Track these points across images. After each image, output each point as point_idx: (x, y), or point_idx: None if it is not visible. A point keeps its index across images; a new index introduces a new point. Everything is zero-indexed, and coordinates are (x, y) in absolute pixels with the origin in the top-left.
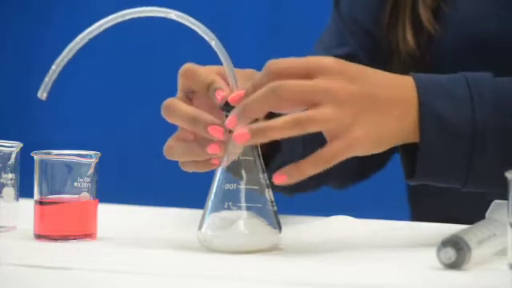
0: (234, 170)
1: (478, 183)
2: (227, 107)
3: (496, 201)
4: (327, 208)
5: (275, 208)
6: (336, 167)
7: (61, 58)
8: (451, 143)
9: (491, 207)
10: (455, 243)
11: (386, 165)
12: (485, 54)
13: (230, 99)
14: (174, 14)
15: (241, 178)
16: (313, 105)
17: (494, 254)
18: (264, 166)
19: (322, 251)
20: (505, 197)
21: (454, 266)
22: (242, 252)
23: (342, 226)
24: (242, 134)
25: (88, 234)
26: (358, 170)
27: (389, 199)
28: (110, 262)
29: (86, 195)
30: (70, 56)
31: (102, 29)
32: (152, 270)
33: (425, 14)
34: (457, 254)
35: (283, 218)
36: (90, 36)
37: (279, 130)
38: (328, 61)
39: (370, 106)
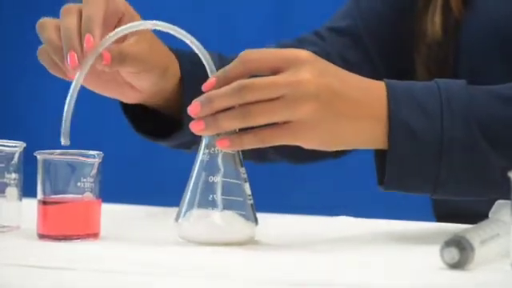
0: (212, 162)
1: (447, 193)
2: None
3: (499, 201)
4: (331, 209)
5: (252, 201)
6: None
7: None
8: (419, 154)
9: (494, 207)
10: (458, 243)
11: (341, 155)
12: (507, 51)
13: (203, 87)
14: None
15: (219, 170)
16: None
17: (497, 254)
18: (242, 160)
19: (325, 251)
20: (507, 197)
21: (458, 265)
22: (218, 244)
23: (344, 226)
24: (198, 124)
25: (91, 234)
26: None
27: (393, 199)
28: (113, 261)
29: (89, 195)
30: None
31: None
32: (156, 270)
33: None
34: (460, 254)
35: (286, 218)
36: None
37: (229, 118)
38: (302, 53)
39: (334, 103)
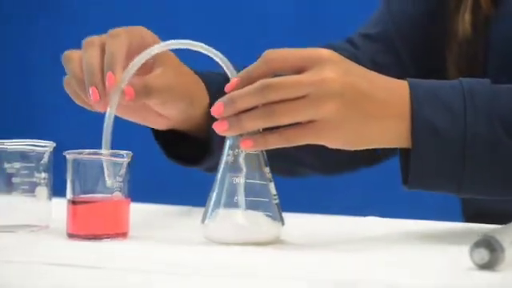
0: (236, 163)
1: (472, 192)
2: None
3: None
4: (359, 209)
5: (277, 201)
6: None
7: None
8: (443, 153)
9: None
10: (488, 244)
11: (377, 163)
12: None
13: (226, 88)
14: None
15: (244, 171)
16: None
17: None
18: (267, 160)
19: (351, 251)
20: None
21: (487, 266)
22: (244, 244)
23: (372, 226)
24: (221, 124)
25: (120, 234)
26: (346, 161)
27: (421, 199)
28: (142, 261)
29: (118, 194)
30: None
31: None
32: (181, 270)
33: None
34: (490, 255)
35: (313, 217)
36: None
37: (252, 118)
38: (325, 52)
39: (358, 102)
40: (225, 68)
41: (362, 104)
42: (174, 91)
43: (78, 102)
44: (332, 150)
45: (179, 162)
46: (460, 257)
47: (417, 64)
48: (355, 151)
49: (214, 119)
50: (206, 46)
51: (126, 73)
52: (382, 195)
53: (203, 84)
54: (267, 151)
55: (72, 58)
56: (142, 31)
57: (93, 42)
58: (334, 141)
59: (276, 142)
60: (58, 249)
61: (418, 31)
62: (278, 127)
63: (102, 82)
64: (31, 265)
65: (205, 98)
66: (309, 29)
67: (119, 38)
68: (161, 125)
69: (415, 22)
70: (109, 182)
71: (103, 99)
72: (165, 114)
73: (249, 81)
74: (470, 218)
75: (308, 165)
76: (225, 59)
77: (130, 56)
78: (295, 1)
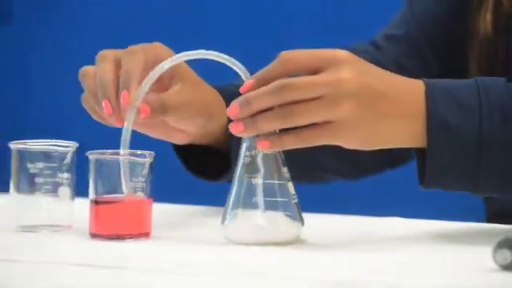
0: (255, 163)
1: (489, 190)
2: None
3: None
4: (379, 209)
5: (296, 200)
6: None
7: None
8: (459, 151)
9: None
10: (511, 244)
11: (401, 164)
12: None
13: (241, 89)
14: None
15: (262, 171)
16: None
17: None
18: (284, 160)
19: (372, 251)
20: None
21: (510, 267)
22: (264, 245)
23: (393, 226)
24: (237, 125)
25: (143, 234)
26: (370, 164)
27: (442, 200)
28: (164, 261)
29: (140, 195)
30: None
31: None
32: (207, 270)
33: None
34: None
35: (334, 218)
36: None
37: (268, 120)
38: (341, 53)
39: (374, 102)
40: (240, 73)
41: (377, 103)
42: (191, 107)
43: (94, 117)
44: (355, 153)
45: (200, 175)
46: (483, 257)
47: (440, 63)
48: (378, 153)
49: (234, 137)
50: (219, 54)
51: (140, 90)
52: (404, 195)
53: (222, 98)
54: (291, 161)
55: (87, 74)
56: (158, 48)
57: (106, 55)
58: (350, 141)
59: (292, 143)
60: (81, 249)
61: (441, 29)
62: (294, 128)
63: (115, 95)
64: (54, 265)
65: (224, 112)
66: (334, 30)
67: (135, 55)
68: (180, 140)
69: (438, 20)
70: (126, 189)
71: (117, 113)
72: (183, 129)
73: (264, 81)
74: (491, 218)
75: (332, 170)
76: (239, 65)
77: (146, 73)
78: (321, 2)
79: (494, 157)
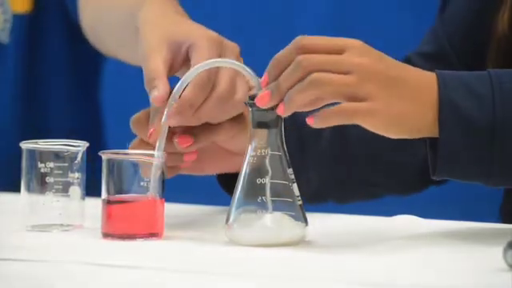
0: (261, 164)
1: (502, 180)
2: (251, 101)
3: None
4: (390, 208)
5: (301, 202)
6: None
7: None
8: (471, 139)
9: None
10: None
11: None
12: None
13: (261, 81)
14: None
15: (268, 172)
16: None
17: None
18: (289, 161)
19: (385, 251)
20: None
21: None
22: (268, 245)
23: (406, 225)
24: (265, 95)
25: (155, 234)
26: (417, 180)
27: (453, 198)
28: (176, 261)
29: (152, 194)
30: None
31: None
32: (217, 269)
33: None
34: None
35: (342, 218)
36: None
37: (299, 91)
38: (357, 42)
39: (395, 87)
40: (251, 80)
41: (396, 89)
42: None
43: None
44: (405, 169)
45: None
46: (494, 257)
47: (466, 67)
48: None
49: (290, 145)
50: (233, 62)
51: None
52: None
53: None
54: (347, 181)
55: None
56: None
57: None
58: (380, 123)
59: (336, 119)
60: (94, 248)
61: (466, 31)
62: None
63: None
64: (66, 264)
65: None
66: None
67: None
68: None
69: (464, 22)
70: (152, 190)
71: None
72: (235, 150)
73: (282, 65)
74: (506, 218)
75: (383, 186)
76: (249, 70)
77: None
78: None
79: (507, 144)
